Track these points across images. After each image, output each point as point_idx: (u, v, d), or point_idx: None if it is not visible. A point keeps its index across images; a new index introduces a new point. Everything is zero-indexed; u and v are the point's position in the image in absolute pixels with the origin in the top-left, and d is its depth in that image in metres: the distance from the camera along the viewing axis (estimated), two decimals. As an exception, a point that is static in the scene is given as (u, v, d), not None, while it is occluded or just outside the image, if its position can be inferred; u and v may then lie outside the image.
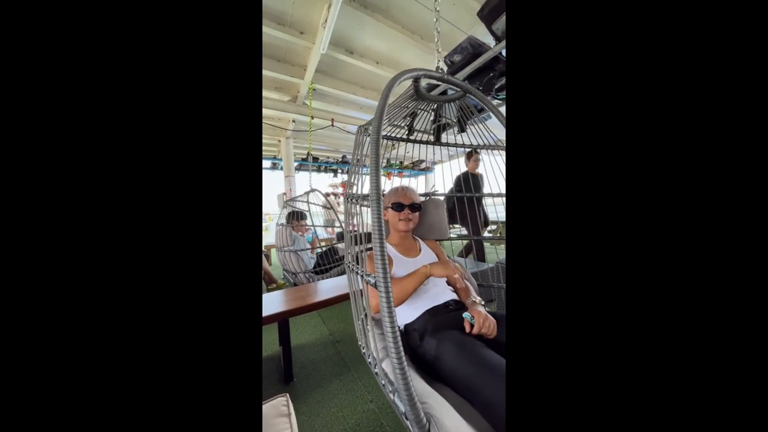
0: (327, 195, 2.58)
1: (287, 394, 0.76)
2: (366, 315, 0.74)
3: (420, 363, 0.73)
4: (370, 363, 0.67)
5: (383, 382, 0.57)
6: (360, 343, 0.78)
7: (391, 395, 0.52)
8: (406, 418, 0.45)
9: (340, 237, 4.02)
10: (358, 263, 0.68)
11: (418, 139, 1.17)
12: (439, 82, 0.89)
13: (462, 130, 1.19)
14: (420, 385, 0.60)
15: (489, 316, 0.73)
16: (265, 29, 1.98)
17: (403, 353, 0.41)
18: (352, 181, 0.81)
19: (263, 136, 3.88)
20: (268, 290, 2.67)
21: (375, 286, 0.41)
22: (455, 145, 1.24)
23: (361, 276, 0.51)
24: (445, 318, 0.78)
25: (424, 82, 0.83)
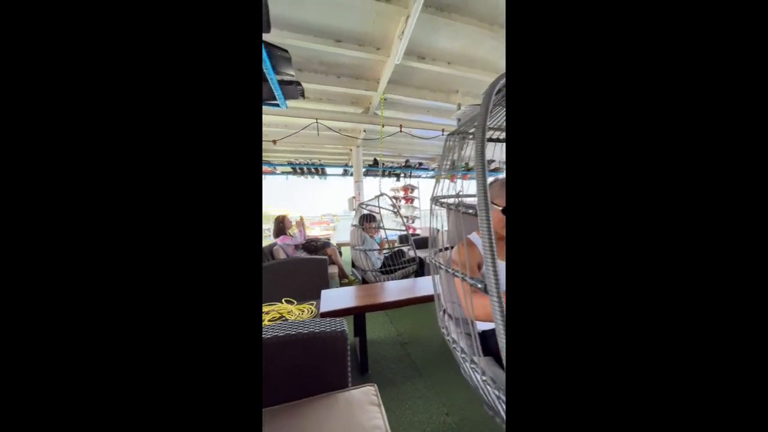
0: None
1: (375, 385, 0.81)
2: (444, 311, 0.75)
3: (501, 365, 0.72)
4: (463, 358, 0.68)
5: (479, 373, 0.58)
6: (447, 338, 0.79)
7: (489, 386, 0.55)
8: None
9: (403, 240, 4.08)
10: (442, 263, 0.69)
11: (495, 137, 1.11)
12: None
13: None
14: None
15: None
16: (346, 51, 2.17)
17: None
18: (438, 184, 0.82)
19: (338, 146, 4.26)
20: (341, 284, 2.94)
21: (485, 290, 0.41)
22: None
23: (462, 278, 0.52)
24: None
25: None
